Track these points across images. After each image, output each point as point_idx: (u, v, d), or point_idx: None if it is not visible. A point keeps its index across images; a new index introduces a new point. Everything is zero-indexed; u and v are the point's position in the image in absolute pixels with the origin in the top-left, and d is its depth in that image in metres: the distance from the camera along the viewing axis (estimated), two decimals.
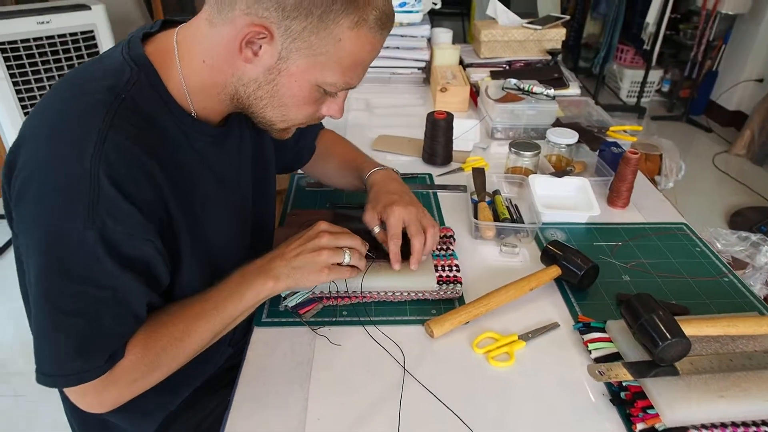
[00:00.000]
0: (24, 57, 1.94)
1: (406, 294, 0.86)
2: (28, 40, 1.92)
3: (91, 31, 2.06)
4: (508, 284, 0.86)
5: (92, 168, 0.58)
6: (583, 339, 0.79)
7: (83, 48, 2.07)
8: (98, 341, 0.63)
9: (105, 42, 2.11)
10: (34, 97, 2.03)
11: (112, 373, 0.65)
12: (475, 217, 1.03)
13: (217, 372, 0.92)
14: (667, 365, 0.70)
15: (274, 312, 0.84)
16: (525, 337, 0.80)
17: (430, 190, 1.18)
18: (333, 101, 0.73)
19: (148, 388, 0.70)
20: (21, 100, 2.00)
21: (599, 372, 0.70)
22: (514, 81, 1.49)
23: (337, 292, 0.85)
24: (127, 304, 0.65)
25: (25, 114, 2.04)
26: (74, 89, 0.63)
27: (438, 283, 0.88)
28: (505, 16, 1.81)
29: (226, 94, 0.69)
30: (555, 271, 0.89)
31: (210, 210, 0.77)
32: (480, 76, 1.73)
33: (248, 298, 0.73)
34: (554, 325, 0.82)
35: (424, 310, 0.85)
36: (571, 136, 1.23)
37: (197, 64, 0.67)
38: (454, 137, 1.31)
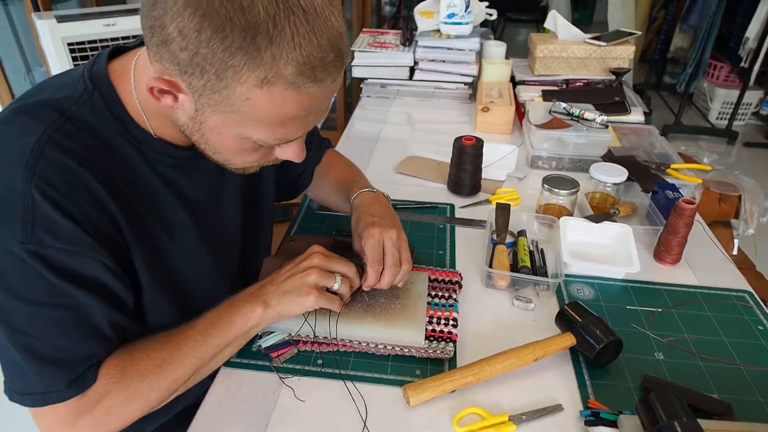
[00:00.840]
0: (90, 57, 2.03)
1: (390, 348, 0.76)
2: (94, 41, 2.00)
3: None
4: (509, 351, 0.73)
5: (24, 185, 0.55)
6: None
7: None
8: (58, 363, 0.60)
9: None
10: None
11: (83, 399, 0.62)
12: (491, 261, 0.91)
13: (190, 405, 0.86)
14: None
15: (245, 352, 0.76)
16: (517, 419, 0.67)
17: (447, 224, 1.07)
18: (287, 146, 0.65)
19: (128, 422, 0.65)
20: None
21: None
22: (563, 105, 1.34)
23: (315, 336, 0.76)
24: (87, 324, 0.61)
25: None
26: (21, 106, 0.60)
27: (428, 338, 0.77)
28: (565, 30, 1.65)
29: (167, 116, 0.63)
30: (568, 339, 0.75)
31: (177, 236, 0.72)
32: (531, 95, 1.58)
33: (237, 327, 0.68)
34: (556, 408, 0.69)
35: (408, 369, 0.74)
36: (618, 174, 1.07)
37: (148, 92, 0.61)
38: (486, 164, 1.19)
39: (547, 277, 0.91)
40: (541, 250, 0.99)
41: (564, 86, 1.66)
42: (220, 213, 0.79)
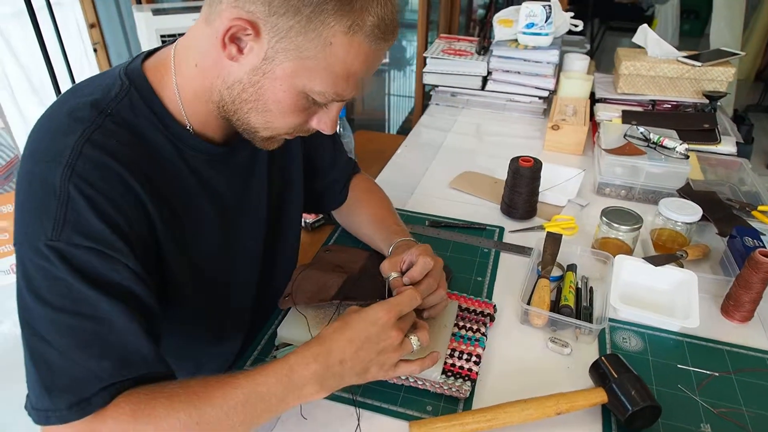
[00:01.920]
0: None
1: (403, 378, 0.73)
2: (183, 35, 2.12)
3: None
4: (530, 400, 0.68)
5: (62, 183, 0.56)
6: None
7: None
8: (65, 378, 0.55)
9: None
10: None
11: (85, 425, 0.55)
12: (530, 296, 0.86)
13: None
14: None
15: (260, 360, 0.77)
16: None
17: (493, 248, 1.01)
18: (324, 113, 0.66)
19: None
20: None
21: None
22: (641, 129, 1.23)
23: None
24: (106, 340, 0.56)
25: None
26: (62, 106, 0.62)
27: (445, 372, 0.73)
28: (656, 45, 1.51)
29: (213, 102, 0.64)
30: (599, 396, 0.68)
31: (203, 234, 0.73)
32: (610, 114, 1.47)
33: (288, 402, 0.59)
34: None
35: (419, 403, 0.71)
36: (690, 212, 0.96)
37: (191, 70, 0.64)
38: (545, 187, 1.12)
39: (590, 320, 0.84)
40: (591, 288, 0.91)
41: (649, 108, 1.53)
42: (245, 212, 0.80)
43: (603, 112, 1.49)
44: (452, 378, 0.73)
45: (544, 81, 1.56)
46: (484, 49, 1.62)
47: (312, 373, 0.59)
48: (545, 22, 1.49)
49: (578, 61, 1.62)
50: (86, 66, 2.61)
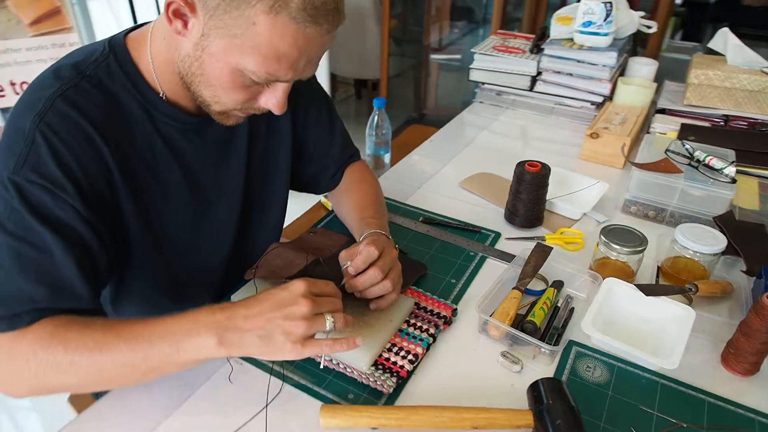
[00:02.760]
0: None
1: (334, 362, 0.71)
2: None
3: None
4: (448, 407, 0.63)
5: (30, 128, 0.62)
6: None
7: None
8: (3, 294, 0.61)
9: None
10: None
11: (14, 342, 0.60)
12: (497, 307, 0.80)
13: None
14: None
15: None
16: None
17: (480, 253, 0.95)
18: (271, 93, 0.67)
19: (42, 391, 0.62)
20: None
21: None
22: (687, 145, 1.09)
23: None
24: (44, 269, 0.61)
25: None
26: (52, 66, 0.68)
27: (375, 364, 0.70)
28: (737, 53, 1.34)
29: (175, 73, 0.67)
30: (524, 418, 0.62)
31: (172, 199, 0.76)
32: (666, 127, 1.33)
33: (185, 351, 0.60)
34: None
35: (343, 390, 0.69)
36: (711, 242, 0.84)
37: (160, 43, 0.68)
38: (558, 196, 1.04)
39: (558, 341, 0.76)
40: (572, 309, 0.83)
41: (720, 124, 1.36)
42: (219, 185, 0.82)
43: (659, 124, 1.34)
44: (380, 371, 0.70)
45: (599, 85, 1.44)
46: (537, 47, 1.53)
47: (215, 321, 0.60)
48: (604, 20, 1.37)
49: (643, 66, 1.47)
50: None
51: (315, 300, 0.62)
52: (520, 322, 0.78)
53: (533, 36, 1.63)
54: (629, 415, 0.67)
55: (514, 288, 0.82)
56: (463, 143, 1.39)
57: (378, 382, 0.69)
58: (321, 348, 0.62)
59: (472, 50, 1.59)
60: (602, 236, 0.87)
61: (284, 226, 0.98)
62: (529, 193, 0.99)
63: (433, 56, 3.07)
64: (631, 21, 1.45)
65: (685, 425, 0.66)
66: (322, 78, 2.43)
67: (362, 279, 0.72)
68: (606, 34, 1.39)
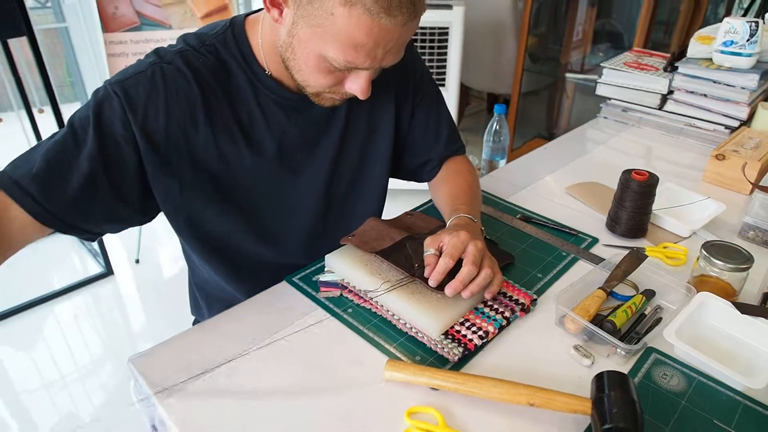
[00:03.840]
0: None
1: (407, 326, 0.78)
2: None
3: (447, 28, 2.37)
4: (507, 381, 0.67)
5: (149, 66, 0.76)
6: None
7: (437, 41, 2.41)
8: (18, 166, 0.72)
9: (455, 38, 2.39)
10: None
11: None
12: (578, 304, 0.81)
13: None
14: None
15: (305, 277, 0.90)
16: None
17: (572, 254, 0.96)
18: (354, 79, 0.74)
19: None
20: None
21: None
22: None
23: (359, 290, 0.84)
24: (45, 166, 0.71)
25: None
26: (182, 35, 0.83)
27: (446, 334, 0.76)
28: None
29: (278, 54, 0.78)
30: (582, 404, 0.63)
31: (260, 158, 0.85)
32: None
33: None
34: None
35: (412, 351, 0.75)
36: None
37: (267, 27, 0.79)
38: (665, 207, 1.01)
39: (637, 343, 0.75)
40: (659, 319, 0.81)
41: None
42: (309, 160, 0.90)
43: None
44: (449, 340, 0.75)
45: (735, 108, 1.35)
46: (671, 65, 1.47)
47: None
48: (747, 40, 1.28)
49: None
50: None
51: None
52: (599, 321, 0.78)
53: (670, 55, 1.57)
54: (700, 427, 0.65)
55: (599, 288, 0.83)
56: (577, 154, 1.38)
57: (445, 350, 0.74)
58: None
59: (602, 64, 1.57)
60: (703, 250, 0.83)
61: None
62: (633, 201, 0.98)
63: (569, 75, 3.00)
64: None
65: None
66: (452, 88, 2.52)
67: (453, 287, 0.74)
68: (749, 55, 1.30)
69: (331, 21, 0.66)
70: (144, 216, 0.84)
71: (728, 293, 0.83)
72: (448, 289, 0.75)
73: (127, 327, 2.15)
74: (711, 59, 1.39)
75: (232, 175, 0.85)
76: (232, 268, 0.96)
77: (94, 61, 2.53)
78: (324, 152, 0.92)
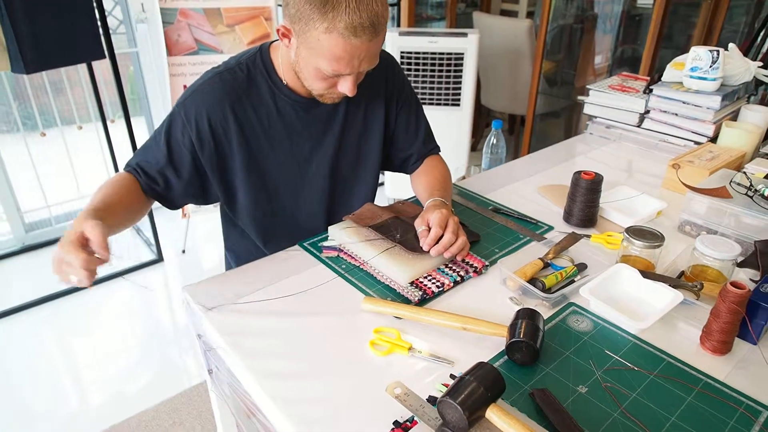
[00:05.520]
0: (413, 64, 2.69)
1: (385, 277, 1.02)
2: (419, 53, 2.65)
3: (462, 54, 2.63)
4: (448, 313, 0.90)
5: (197, 86, 1.08)
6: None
7: (453, 65, 2.67)
8: (134, 155, 1.11)
9: (469, 63, 2.65)
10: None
11: (122, 174, 1.09)
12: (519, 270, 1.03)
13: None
14: None
15: (313, 243, 1.16)
16: (413, 351, 0.85)
17: (527, 236, 1.18)
18: (344, 82, 1.01)
19: None
20: None
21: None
22: (751, 177, 1.18)
23: (353, 253, 1.09)
24: (147, 152, 1.09)
25: None
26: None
27: (412, 284, 0.99)
28: None
29: (292, 70, 1.06)
30: (500, 330, 0.86)
31: (278, 152, 1.14)
32: (759, 169, 1.37)
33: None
34: (448, 363, 0.83)
35: (384, 294, 0.99)
36: (726, 249, 0.97)
37: (284, 50, 1.06)
38: (608, 201, 1.21)
39: (554, 293, 0.97)
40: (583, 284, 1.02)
41: None
42: (317, 151, 1.18)
43: (755, 165, 1.39)
44: (413, 287, 0.99)
45: (702, 126, 1.53)
46: (648, 88, 1.67)
47: (81, 218, 0.87)
48: (710, 66, 1.48)
49: (755, 113, 1.52)
50: None
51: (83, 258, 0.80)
52: (533, 281, 1.00)
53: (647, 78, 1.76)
54: (594, 354, 0.85)
55: (539, 258, 1.05)
56: (559, 161, 1.59)
57: (409, 293, 0.97)
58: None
59: (588, 86, 1.79)
60: (625, 233, 1.04)
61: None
62: (581, 197, 1.19)
63: (582, 98, 3.21)
64: (746, 70, 1.52)
65: (635, 368, 0.82)
66: (466, 108, 2.76)
67: (438, 250, 1.01)
68: (713, 79, 1.49)
69: (318, 44, 0.93)
70: (205, 198, 1.17)
71: (647, 268, 1.03)
72: (434, 251, 1.01)
73: (169, 305, 2.48)
74: (682, 83, 1.59)
75: (256, 163, 1.14)
76: (258, 234, 1.23)
77: (158, 80, 2.92)
78: (327, 144, 1.19)
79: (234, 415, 1.09)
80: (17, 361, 2.10)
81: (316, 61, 0.97)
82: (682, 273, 1.04)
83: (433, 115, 3.04)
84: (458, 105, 2.74)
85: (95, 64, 2.46)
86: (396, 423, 0.72)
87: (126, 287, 2.56)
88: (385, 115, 1.23)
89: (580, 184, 1.19)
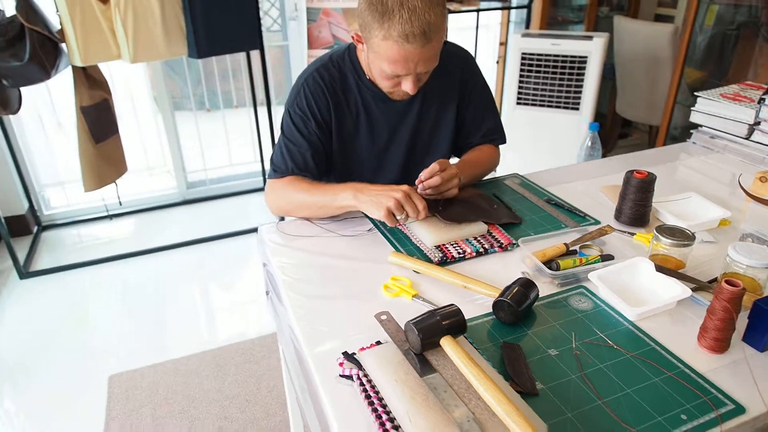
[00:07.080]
0: (534, 66, 2.72)
1: (416, 239, 1.17)
2: (540, 55, 2.67)
3: (586, 57, 2.59)
4: (457, 273, 1.02)
5: (301, 83, 1.29)
6: None
7: (576, 69, 2.64)
8: (281, 161, 1.28)
9: (592, 67, 2.59)
10: (529, 95, 2.81)
11: (276, 183, 1.26)
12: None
13: None
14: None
15: None
16: (418, 298, 0.99)
17: (569, 227, 1.22)
18: (406, 81, 1.16)
19: (282, 212, 1.27)
20: (519, 96, 2.83)
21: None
22: None
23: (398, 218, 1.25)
24: (292, 153, 1.26)
25: (518, 104, 2.87)
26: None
27: (437, 247, 1.12)
28: None
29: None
30: (495, 290, 0.95)
31: (361, 137, 1.33)
32: None
33: (339, 200, 1.17)
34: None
35: (412, 252, 1.14)
36: (759, 256, 0.94)
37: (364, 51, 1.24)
38: (660, 201, 1.20)
39: (558, 271, 1.02)
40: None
41: None
42: (393, 138, 1.34)
43: None
44: (438, 250, 1.12)
45: None
46: (762, 98, 1.54)
47: (354, 187, 1.15)
48: None
49: None
50: (491, 73, 3.50)
51: (408, 196, 1.09)
52: (549, 262, 1.06)
53: None
54: (581, 329, 0.91)
55: (563, 243, 1.10)
56: (646, 165, 1.55)
57: (432, 254, 1.11)
58: (391, 222, 1.09)
59: (696, 93, 1.70)
60: (655, 231, 1.04)
61: None
62: (632, 194, 1.20)
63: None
64: None
65: (614, 346, 0.86)
66: (586, 111, 2.70)
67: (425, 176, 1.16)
68: None
69: (379, 49, 1.09)
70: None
71: (677, 267, 1.02)
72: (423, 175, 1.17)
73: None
74: None
75: (344, 146, 1.35)
76: None
77: (300, 70, 3.37)
78: (402, 136, 1.36)
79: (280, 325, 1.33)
80: (170, 286, 2.62)
81: (379, 63, 1.14)
82: (714, 279, 1.02)
83: (548, 117, 3.05)
84: (577, 108, 2.69)
85: (253, 55, 2.93)
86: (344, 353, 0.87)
87: (240, 240, 3.00)
88: (457, 108, 1.37)
89: (631, 182, 1.19)
